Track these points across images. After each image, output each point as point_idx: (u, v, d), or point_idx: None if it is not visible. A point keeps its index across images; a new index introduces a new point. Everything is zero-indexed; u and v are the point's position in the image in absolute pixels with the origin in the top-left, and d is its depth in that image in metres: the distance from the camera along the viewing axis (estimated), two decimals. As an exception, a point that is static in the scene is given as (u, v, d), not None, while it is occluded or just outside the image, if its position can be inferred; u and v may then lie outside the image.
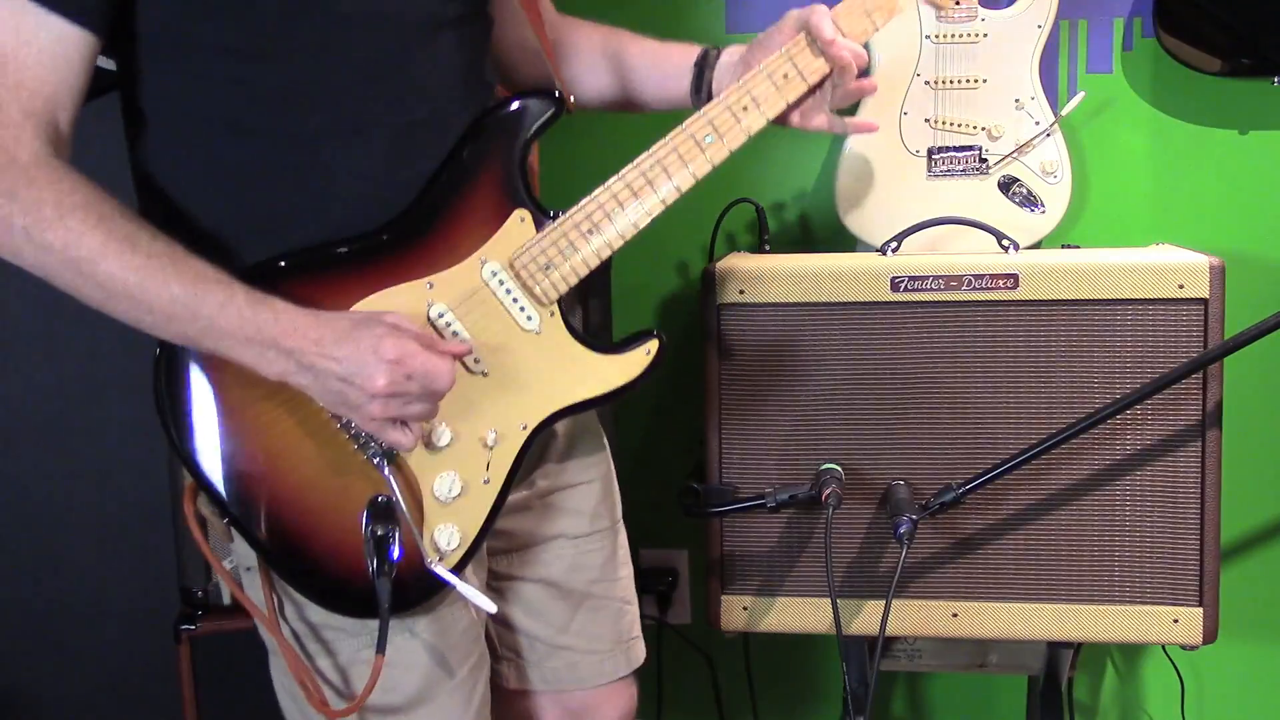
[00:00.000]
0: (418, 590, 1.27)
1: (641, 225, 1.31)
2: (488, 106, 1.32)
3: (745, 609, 1.76)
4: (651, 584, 2.34)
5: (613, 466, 1.55)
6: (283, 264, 1.22)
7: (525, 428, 1.30)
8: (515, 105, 1.30)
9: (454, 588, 1.27)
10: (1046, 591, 1.68)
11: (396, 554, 1.21)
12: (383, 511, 1.23)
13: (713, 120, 1.32)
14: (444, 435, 1.27)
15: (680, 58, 1.47)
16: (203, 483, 1.23)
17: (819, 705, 2.36)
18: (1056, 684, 1.95)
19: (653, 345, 1.34)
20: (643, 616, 2.34)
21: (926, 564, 1.70)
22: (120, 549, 2.06)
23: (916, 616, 1.71)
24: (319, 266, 1.24)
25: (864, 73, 1.37)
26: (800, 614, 1.74)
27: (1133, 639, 1.69)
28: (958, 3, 1.89)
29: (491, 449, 1.29)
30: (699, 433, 1.76)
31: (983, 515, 1.68)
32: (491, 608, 1.30)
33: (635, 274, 2.19)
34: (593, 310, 1.91)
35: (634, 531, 2.28)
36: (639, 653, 1.56)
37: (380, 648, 1.22)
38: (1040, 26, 1.91)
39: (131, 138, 1.27)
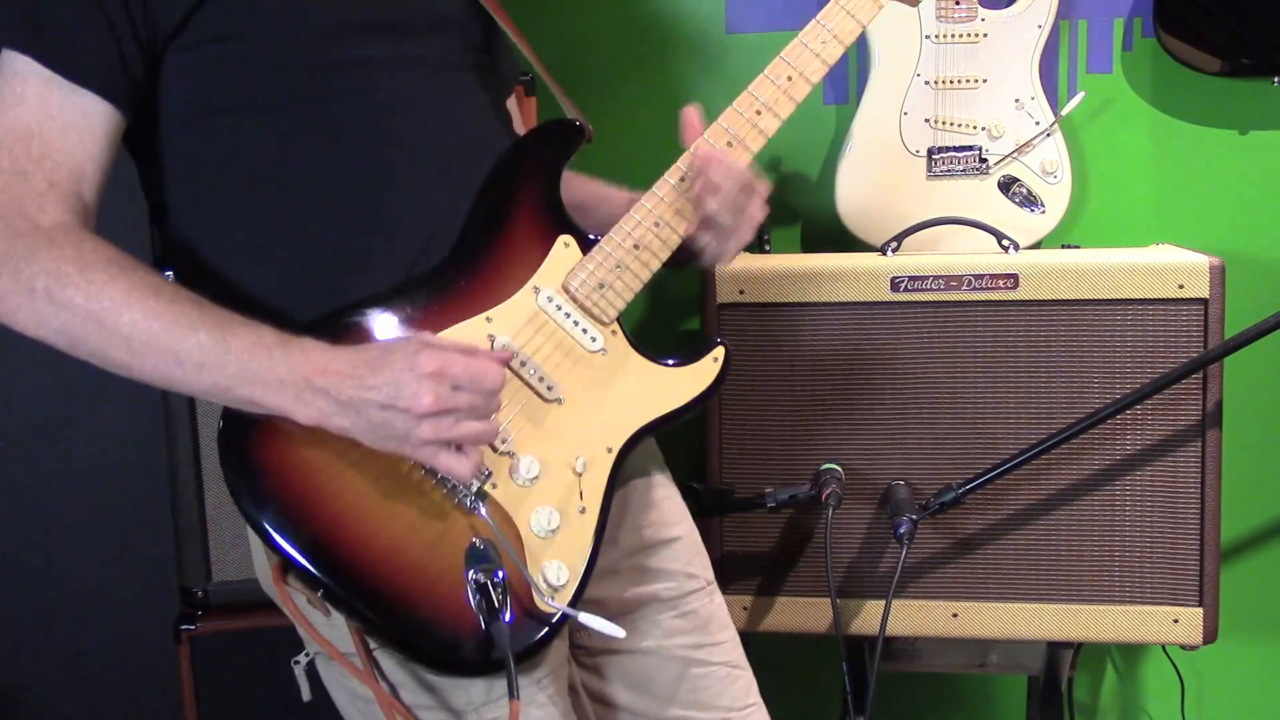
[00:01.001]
0: (529, 638, 1.20)
1: (684, 232, 1.30)
2: (514, 141, 1.33)
3: (745, 609, 1.76)
4: (651, 584, 2.34)
5: (694, 523, 1.48)
6: (340, 319, 1.19)
7: (611, 450, 1.27)
8: (540, 136, 1.32)
9: (578, 619, 1.21)
10: (1046, 591, 1.68)
11: (502, 579, 1.14)
12: (484, 556, 1.16)
13: (729, 127, 1.32)
14: (532, 468, 1.22)
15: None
16: (288, 558, 1.14)
17: (819, 705, 2.36)
18: (1056, 684, 1.95)
19: (719, 352, 1.33)
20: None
21: (926, 564, 1.70)
22: (120, 549, 2.06)
23: (916, 616, 1.71)
24: (376, 317, 1.20)
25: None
26: (800, 614, 1.74)
27: (1133, 639, 1.69)
28: (957, 2, 1.90)
29: (581, 475, 1.25)
30: (699, 433, 1.76)
31: (983, 515, 1.68)
32: (620, 633, 1.22)
33: (635, 274, 2.19)
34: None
35: (634, 531, 2.28)
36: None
37: (512, 693, 1.13)
38: (1040, 26, 1.91)
39: (163, 222, 1.26)
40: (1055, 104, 1.97)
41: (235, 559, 1.80)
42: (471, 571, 1.15)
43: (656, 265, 1.30)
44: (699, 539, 1.46)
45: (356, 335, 1.17)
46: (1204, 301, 1.61)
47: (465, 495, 1.19)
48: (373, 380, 1.10)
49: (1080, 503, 1.67)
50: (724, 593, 1.75)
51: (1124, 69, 2.09)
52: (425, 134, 1.25)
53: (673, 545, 1.42)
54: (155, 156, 1.23)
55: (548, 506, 1.23)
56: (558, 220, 1.29)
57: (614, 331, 1.29)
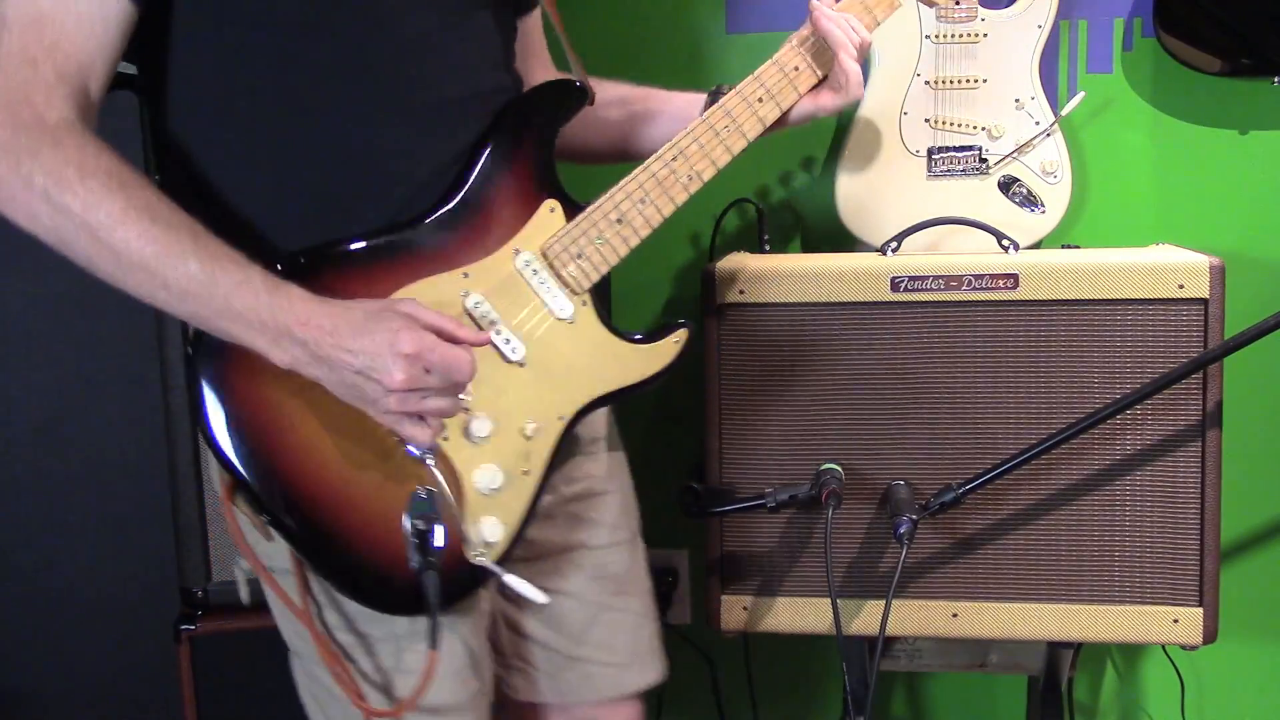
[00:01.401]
0: (458, 587, 1.26)
1: (667, 213, 1.34)
2: (515, 95, 1.34)
3: (745, 609, 1.76)
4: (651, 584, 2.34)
5: (631, 480, 1.54)
6: (326, 253, 1.21)
7: (562, 418, 1.31)
8: (540, 95, 1.33)
9: (503, 579, 1.26)
10: (1046, 591, 1.68)
11: (440, 544, 1.19)
12: (425, 505, 1.20)
13: (730, 111, 1.35)
14: (484, 426, 1.26)
15: (693, 96, 1.48)
16: (240, 480, 1.20)
17: (819, 705, 2.36)
18: (1056, 684, 1.95)
19: (681, 335, 1.36)
20: (642, 616, 2.34)
21: (926, 564, 1.70)
22: (120, 549, 2.06)
23: (916, 616, 1.71)
24: (358, 257, 1.23)
25: (864, 65, 1.40)
26: (800, 614, 1.74)
27: (1133, 639, 1.69)
28: (957, 2, 1.89)
29: (530, 440, 1.29)
30: (699, 433, 1.76)
31: (983, 515, 1.68)
32: (543, 598, 1.29)
33: (635, 273, 2.19)
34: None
35: (634, 531, 2.28)
36: (657, 668, 1.54)
37: (433, 643, 1.20)
38: (1040, 26, 1.91)
39: (159, 126, 1.26)
40: (1055, 104, 1.97)
41: (235, 559, 1.80)
42: (410, 519, 1.19)
43: (636, 241, 1.33)
44: (632, 495, 1.53)
45: (337, 273, 1.20)
46: (1204, 301, 1.61)
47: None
48: (352, 344, 1.13)
49: (1080, 503, 1.67)
50: (724, 593, 1.76)
51: (1124, 69, 2.09)
52: (431, 82, 1.26)
53: (606, 498, 1.47)
54: (159, 53, 1.22)
55: (493, 465, 1.27)
56: (546, 183, 1.30)
57: (584, 302, 1.32)
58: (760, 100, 1.36)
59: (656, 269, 2.24)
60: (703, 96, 1.45)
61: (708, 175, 1.35)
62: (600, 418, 1.47)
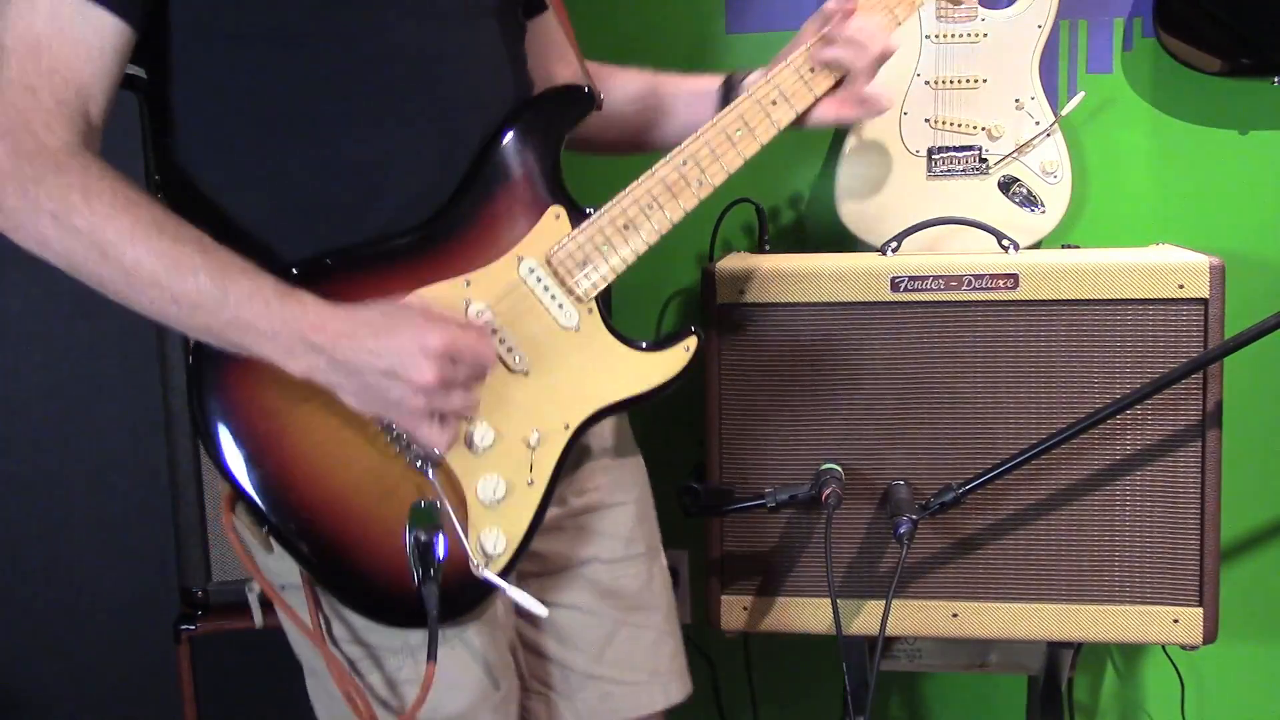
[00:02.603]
0: (464, 598, 1.24)
1: (676, 219, 1.31)
2: (523, 100, 1.32)
3: (745, 609, 1.76)
4: (651, 584, 2.34)
5: (650, 491, 1.50)
6: (325, 263, 1.20)
7: (568, 427, 1.28)
8: (547, 100, 1.31)
9: (504, 591, 1.23)
10: (1046, 591, 1.68)
11: (442, 556, 1.16)
12: (426, 516, 1.18)
13: (743, 114, 1.33)
14: (487, 436, 1.23)
15: (707, 83, 1.47)
16: (240, 491, 1.18)
17: (819, 705, 2.36)
18: (1056, 684, 1.94)
19: (691, 342, 1.33)
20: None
21: (926, 564, 1.70)
22: (120, 549, 2.06)
23: (916, 616, 1.71)
24: (358, 265, 1.21)
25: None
26: (800, 614, 1.74)
27: (1133, 639, 1.69)
28: (958, 2, 1.89)
29: (534, 449, 1.26)
30: (699, 433, 1.76)
31: (983, 515, 1.68)
32: (543, 611, 1.25)
33: (635, 274, 2.16)
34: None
35: (634, 531, 2.28)
36: (681, 686, 1.49)
37: (431, 655, 1.17)
38: (1040, 26, 1.91)
39: (160, 137, 1.26)
40: (1055, 104, 1.97)
41: (235, 559, 1.80)
42: (412, 531, 1.17)
43: (644, 249, 1.31)
44: (650, 507, 1.49)
45: (331, 285, 1.18)
46: (1204, 301, 1.61)
47: (416, 456, 1.20)
48: (374, 345, 1.11)
49: (1080, 503, 1.67)
50: (724, 593, 1.76)
51: (1124, 69, 2.09)
52: (429, 92, 1.24)
53: (618, 510, 1.44)
54: (159, 69, 1.22)
55: (496, 475, 1.24)
56: (552, 190, 1.28)
57: (590, 310, 1.29)
58: (774, 103, 1.33)
59: (656, 269, 2.24)
60: (715, 85, 1.44)
61: (719, 180, 1.32)
62: (612, 427, 1.44)
